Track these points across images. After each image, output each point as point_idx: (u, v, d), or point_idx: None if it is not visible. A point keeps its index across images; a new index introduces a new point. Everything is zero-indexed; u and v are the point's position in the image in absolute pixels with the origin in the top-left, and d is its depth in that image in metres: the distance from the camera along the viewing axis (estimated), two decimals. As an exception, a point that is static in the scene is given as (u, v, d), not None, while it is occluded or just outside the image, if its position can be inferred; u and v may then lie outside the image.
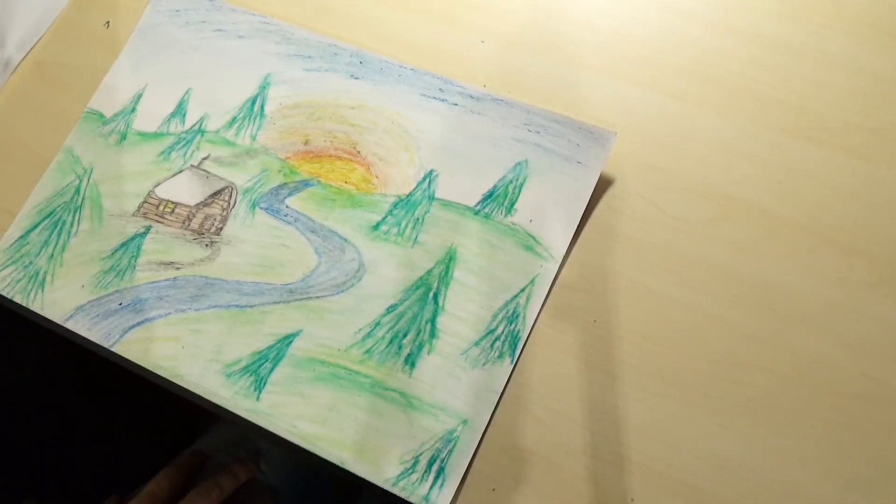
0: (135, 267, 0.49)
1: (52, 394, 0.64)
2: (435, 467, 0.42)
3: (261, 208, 0.49)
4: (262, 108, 0.52)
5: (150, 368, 0.46)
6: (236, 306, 0.47)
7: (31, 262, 0.50)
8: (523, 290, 0.44)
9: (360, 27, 0.53)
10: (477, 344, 0.44)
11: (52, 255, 0.50)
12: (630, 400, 0.42)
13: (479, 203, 0.46)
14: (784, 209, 0.44)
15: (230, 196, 0.50)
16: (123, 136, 0.53)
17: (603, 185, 0.46)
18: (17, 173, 0.54)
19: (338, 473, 0.43)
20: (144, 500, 0.47)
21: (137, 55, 0.55)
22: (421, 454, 0.42)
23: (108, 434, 0.67)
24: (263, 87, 0.52)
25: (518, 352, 0.43)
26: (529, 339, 0.44)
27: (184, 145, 0.52)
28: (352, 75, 0.51)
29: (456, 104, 0.49)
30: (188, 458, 0.53)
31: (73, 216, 0.51)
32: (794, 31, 0.47)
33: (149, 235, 0.50)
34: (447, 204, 0.47)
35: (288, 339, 0.46)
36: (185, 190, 0.51)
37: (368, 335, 0.45)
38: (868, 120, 0.45)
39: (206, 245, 0.49)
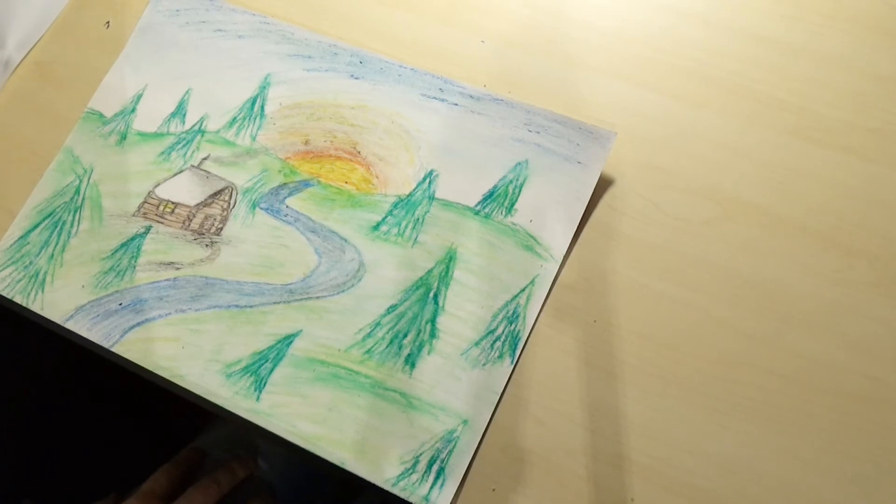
0: (135, 267, 0.49)
1: (51, 394, 0.64)
2: (435, 467, 0.42)
3: (261, 208, 0.49)
4: (262, 108, 0.52)
5: (151, 368, 0.46)
6: (236, 306, 0.47)
7: (31, 263, 0.50)
8: (523, 290, 0.44)
9: (360, 27, 0.53)
10: (477, 344, 0.44)
11: (53, 256, 0.50)
12: (630, 400, 0.42)
13: (479, 203, 0.46)
14: (784, 209, 0.44)
15: (230, 196, 0.50)
16: (123, 136, 0.53)
17: (603, 185, 0.46)
18: (17, 173, 0.54)
19: (337, 473, 0.43)
20: (142, 497, 0.47)
21: (137, 55, 0.55)
22: (421, 454, 0.42)
23: (107, 433, 0.67)
24: (263, 87, 0.52)
25: (518, 352, 0.43)
26: (529, 339, 0.44)
27: (184, 145, 0.52)
28: (352, 75, 0.51)
29: (456, 104, 0.49)
30: (186, 455, 0.53)
31: (73, 216, 0.51)
32: (793, 31, 0.47)
33: (149, 235, 0.50)
34: (447, 204, 0.47)
35: (288, 340, 0.46)
36: (185, 190, 0.51)
37: (368, 335, 0.45)
38: (868, 120, 0.45)
39: (207, 245, 0.49)
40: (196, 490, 0.48)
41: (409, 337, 0.44)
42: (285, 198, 0.49)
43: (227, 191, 0.50)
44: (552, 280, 0.44)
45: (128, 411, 0.69)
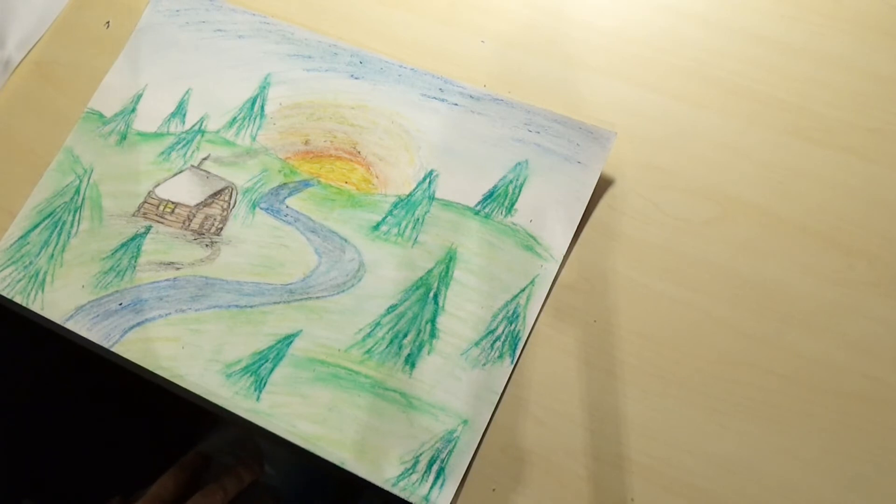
0: (135, 267, 0.49)
1: (51, 394, 0.64)
2: (435, 467, 0.42)
3: (261, 208, 0.49)
4: (262, 108, 0.52)
5: (151, 369, 0.46)
6: (236, 306, 0.47)
7: (31, 263, 0.50)
8: (523, 290, 0.44)
9: (360, 27, 0.53)
10: (477, 344, 0.44)
11: (53, 256, 0.50)
12: (630, 400, 0.42)
13: (479, 203, 0.46)
14: (784, 209, 0.44)
15: (230, 196, 0.50)
16: (123, 136, 0.53)
17: (603, 185, 0.46)
18: (17, 173, 0.54)
19: (338, 474, 0.43)
20: (149, 501, 0.47)
21: (137, 55, 0.55)
22: (421, 454, 0.42)
23: (107, 434, 0.67)
24: (263, 87, 0.52)
25: (518, 352, 0.43)
26: (529, 339, 0.44)
27: (184, 145, 0.52)
28: (352, 75, 0.51)
29: (456, 104, 0.49)
30: (192, 460, 0.53)
31: (73, 216, 0.51)
32: (794, 31, 0.47)
33: (149, 235, 0.50)
34: (447, 204, 0.47)
35: (288, 340, 0.46)
36: (185, 190, 0.51)
37: (368, 335, 0.45)
38: (868, 120, 0.45)
39: (207, 245, 0.49)
40: (202, 496, 0.48)
41: (409, 337, 0.44)
42: (285, 198, 0.49)
43: (227, 191, 0.50)
44: (552, 280, 0.44)
45: (128, 411, 0.69)
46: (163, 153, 0.52)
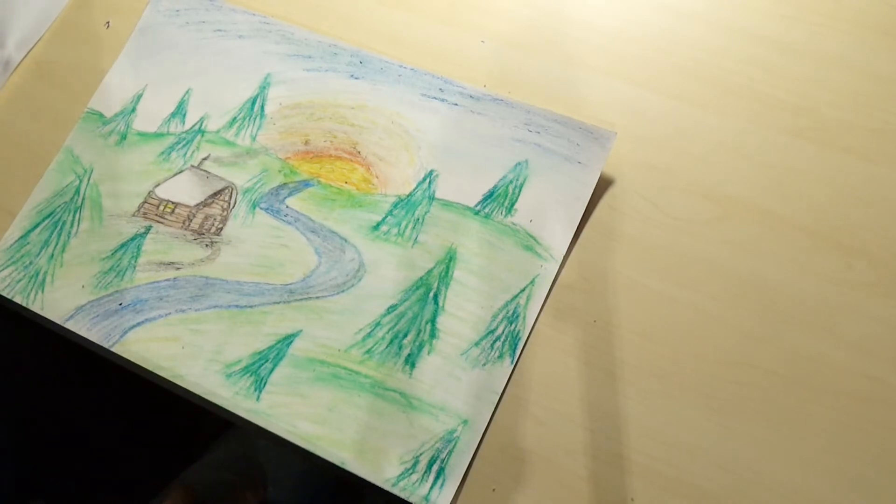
0: (135, 267, 0.49)
1: (51, 394, 0.64)
2: (435, 467, 0.42)
3: (261, 208, 0.49)
4: (262, 108, 0.52)
5: (151, 369, 0.46)
6: (236, 306, 0.47)
7: (31, 263, 0.50)
8: (523, 290, 0.44)
9: (360, 27, 0.53)
10: (477, 344, 0.44)
11: (53, 256, 0.50)
12: (630, 400, 0.42)
13: (479, 203, 0.46)
14: (784, 209, 0.44)
15: (230, 196, 0.50)
16: (123, 136, 0.53)
17: (603, 185, 0.46)
18: (17, 173, 0.54)
19: (339, 475, 0.43)
20: None
21: (137, 55, 0.55)
22: (421, 454, 0.42)
23: (108, 433, 0.67)
24: (263, 87, 0.52)
25: (518, 352, 0.43)
26: (529, 339, 0.44)
27: (184, 145, 0.52)
28: (352, 75, 0.51)
29: (456, 104, 0.49)
30: (182, 494, 0.52)
31: (73, 216, 0.51)
32: (793, 30, 0.47)
33: (149, 235, 0.50)
34: (447, 204, 0.47)
35: (288, 340, 0.46)
36: (185, 190, 0.51)
37: (368, 335, 0.45)
38: (868, 120, 0.45)
39: (207, 245, 0.49)
40: None
41: (409, 337, 0.44)
42: (285, 198, 0.49)
43: (227, 191, 0.50)
44: (552, 280, 0.44)
45: (128, 411, 0.69)
46: (163, 153, 0.52)
